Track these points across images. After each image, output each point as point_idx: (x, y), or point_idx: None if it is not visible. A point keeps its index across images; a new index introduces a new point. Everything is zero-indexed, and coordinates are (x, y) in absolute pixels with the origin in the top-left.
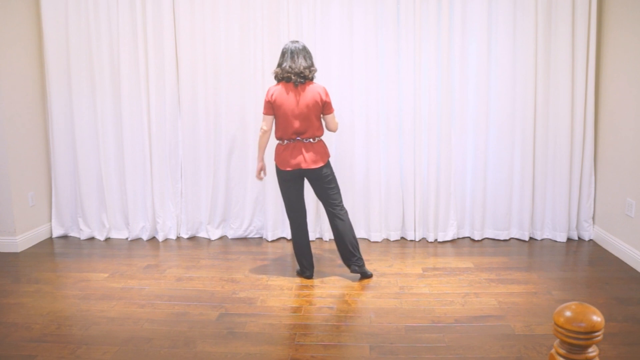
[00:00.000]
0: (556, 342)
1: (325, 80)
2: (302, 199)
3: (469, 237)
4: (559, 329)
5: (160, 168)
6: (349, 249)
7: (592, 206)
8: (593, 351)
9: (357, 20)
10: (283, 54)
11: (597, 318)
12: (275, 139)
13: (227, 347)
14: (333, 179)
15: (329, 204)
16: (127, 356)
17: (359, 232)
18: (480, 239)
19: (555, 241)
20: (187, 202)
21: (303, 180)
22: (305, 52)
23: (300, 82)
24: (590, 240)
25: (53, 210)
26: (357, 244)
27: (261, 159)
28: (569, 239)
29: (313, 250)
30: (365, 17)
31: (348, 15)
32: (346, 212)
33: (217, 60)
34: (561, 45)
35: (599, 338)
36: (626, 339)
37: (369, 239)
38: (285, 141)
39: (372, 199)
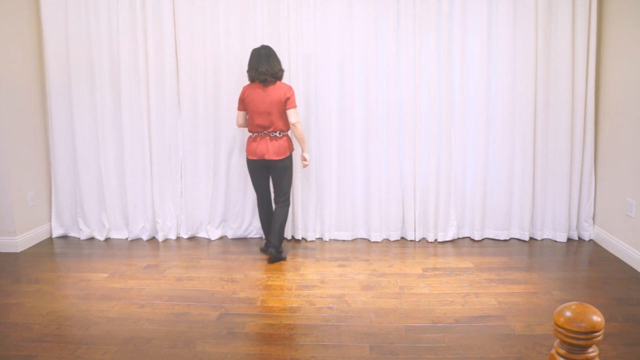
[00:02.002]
0: (556, 342)
1: (325, 80)
2: (265, 183)
3: (469, 237)
4: (559, 329)
5: (160, 168)
6: (274, 233)
7: (592, 206)
8: (593, 351)
9: (357, 20)
10: (257, 56)
11: (597, 318)
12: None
13: (227, 347)
14: (287, 173)
15: (277, 192)
16: (127, 356)
17: (359, 232)
18: (480, 239)
19: (556, 241)
20: (187, 202)
21: (267, 169)
22: (275, 56)
23: (271, 82)
24: (591, 240)
25: (53, 210)
26: (281, 236)
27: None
28: (569, 239)
29: (312, 251)
30: (366, 16)
31: (348, 14)
32: (287, 205)
33: (217, 60)
34: (561, 45)
35: (599, 338)
36: (626, 339)
37: (369, 239)
38: (254, 134)
39: (372, 199)
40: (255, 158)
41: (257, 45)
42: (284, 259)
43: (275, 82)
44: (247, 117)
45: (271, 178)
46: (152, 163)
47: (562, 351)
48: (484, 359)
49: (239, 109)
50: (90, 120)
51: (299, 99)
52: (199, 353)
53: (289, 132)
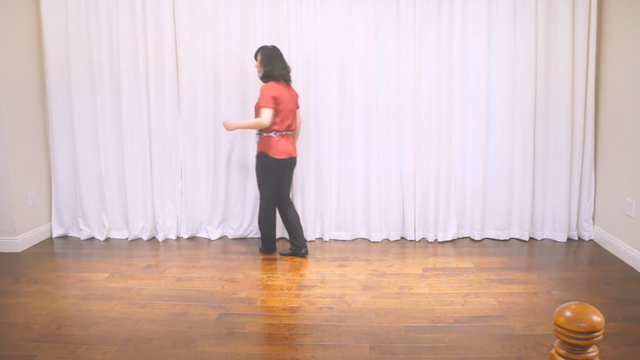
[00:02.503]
0: (556, 342)
1: (325, 80)
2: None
3: (469, 237)
4: (559, 329)
5: (160, 168)
6: (301, 232)
7: (592, 206)
8: (593, 351)
9: (357, 20)
10: (275, 55)
11: (597, 318)
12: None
13: (227, 347)
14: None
15: (287, 192)
16: (127, 356)
17: (359, 232)
18: (480, 239)
19: (556, 241)
20: (187, 202)
21: (285, 168)
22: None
23: (290, 82)
24: (590, 240)
25: (53, 210)
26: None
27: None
28: (569, 239)
29: (312, 251)
30: (366, 15)
31: (348, 14)
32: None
33: (217, 60)
34: (561, 46)
35: (599, 338)
36: (626, 339)
37: (369, 239)
38: (278, 133)
39: (372, 198)
40: (285, 157)
41: (257, 45)
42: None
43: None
44: (277, 116)
45: (284, 177)
46: (152, 163)
47: (562, 351)
48: (484, 359)
49: (270, 106)
50: (90, 120)
51: (299, 99)
52: (199, 353)
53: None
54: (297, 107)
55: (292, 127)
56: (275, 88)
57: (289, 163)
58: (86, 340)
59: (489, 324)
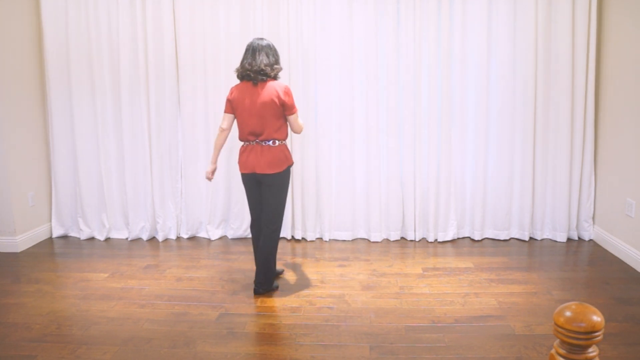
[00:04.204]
0: (556, 342)
1: (325, 80)
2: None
3: (469, 237)
4: (559, 329)
5: (160, 168)
6: (258, 267)
7: (592, 206)
8: (593, 351)
9: (357, 19)
10: (245, 51)
11: (597, 318)
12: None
13: (227, 347)
14: (281, 191)
15: (264, 216)
16: (127, 356)
17: (359, 232)
18: (480, 239)
19: (555, 241)
20: (187, 202)
21: (260, 185)
22: (268, 50)
23: (261, 80)
24: (590, 240)
25: (53, 210)
26: (268, 272)
27: (214, 160)
28: (569, 239)
29: (312, 251)
30: (366, 15)
31: (348, 13)
32: (275, 233)
33: (217, 60)
34: (561, 46)
35: (599, 338)
36: (626, 339)
37: (369, 239)
38: (245, 143)
39: (372, 199)
40: (246, 172)
41: None
42: (275, 289)
43: (266, 81)
44: (237, 122)
45: (262, 196)
46: (152, 163)
47: (562, 351)
48: (484, 359)
49: (226, 111)
50: (91, 120)
51: (298, 99)
52: (199, 353)
53: (286, 141)
54: (287, 113)
55: (262, 136)
56: (233, 90)
57: (261, 180)
58: (86, 340)
59: (489, 324)
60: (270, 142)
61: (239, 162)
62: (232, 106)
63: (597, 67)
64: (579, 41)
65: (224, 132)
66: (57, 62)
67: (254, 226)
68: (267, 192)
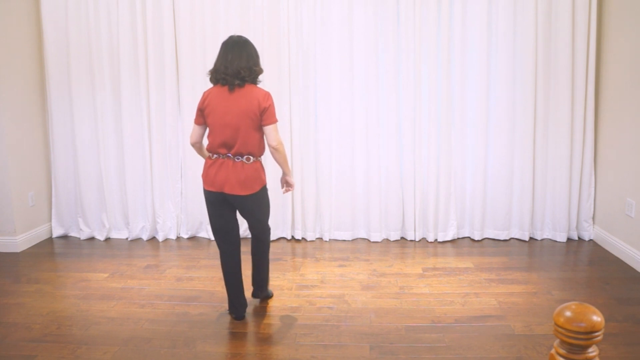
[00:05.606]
0: (556, 342)
1: (325, 80)
2: (231, 225)
3: (469, 237)
4: (559, 329)
5: (160, 168)
6: (255, 277)
7: (592, 206)
8: (593, 351)
9: (357, 21)
10: (220, 50)
11: (597, 318)
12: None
13: (227, 347)
14: (261, 207)
15: (253, 231)
16: (127, 356)
17: (359, 232)
18: (480, 239)
19: (555, 241)
20: (187, 202)
21: (230, 205)
22: (247, 49)
23: (238, 85)
24: (590, 240)
25: (53, 210)
26: (263, 272)
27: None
28: (569, 239)
29: (312, 251)
30: (366, 17)
31: (348, 14)
32: (264, 233)
33: None
34: (561, 46)
35: (599, 338)
36: (626, 339)
37: (369, 239)
38: (214, 156)
39: (372, 199)
40: (212, 190)
41: (257, 45)
42: (270, 295)
43: (244, 86)
44: (208, 133)
45: (239, 213)
46: (152, 163)
47: (562, 351)
48: (484, 359)
49: (196, 122)
50: (90, 120)
51: (298, 99)
52: (199, 353)
53: (261, 158)
54: (264, 123)
55: (234, 149)
56: (205, 95)
57: (231, 201)
58: (86, 340)
59: (489, 324)
60: (244, 159)
61: (204, 177)
62: (203, 115)
63: (597, 67)
64: (579, 41)
65: (195, 145)
66: (57, 62)
67: (224, 255)
68: (243, 212)
